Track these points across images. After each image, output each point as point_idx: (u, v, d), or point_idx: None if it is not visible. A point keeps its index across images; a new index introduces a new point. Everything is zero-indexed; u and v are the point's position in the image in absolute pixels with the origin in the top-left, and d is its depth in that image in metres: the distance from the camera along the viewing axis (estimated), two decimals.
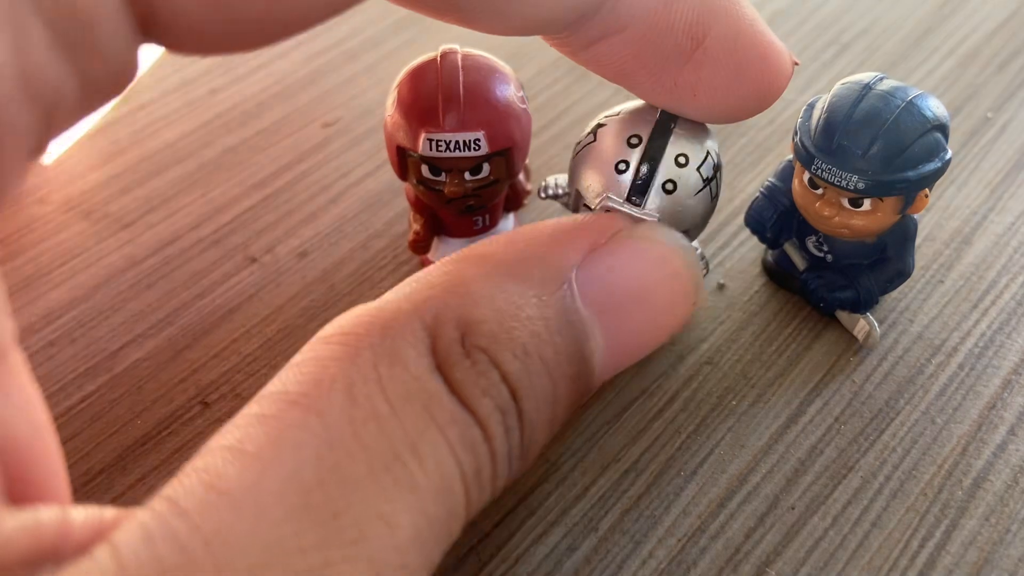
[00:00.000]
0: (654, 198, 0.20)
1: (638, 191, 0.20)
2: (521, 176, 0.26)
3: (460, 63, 0.22)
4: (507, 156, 0.23)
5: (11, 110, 0.12)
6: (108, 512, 0.13)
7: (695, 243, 0.23)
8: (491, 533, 0.21)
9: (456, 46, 0.23)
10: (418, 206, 0.25)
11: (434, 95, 0.22)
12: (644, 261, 0.18)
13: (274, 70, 0.34)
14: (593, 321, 0.17)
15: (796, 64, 0.21)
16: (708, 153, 0.21)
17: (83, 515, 0.12)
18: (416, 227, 0.25)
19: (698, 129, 0.21)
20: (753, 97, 0.20)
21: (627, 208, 0.20)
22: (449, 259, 0.17)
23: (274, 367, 0.24)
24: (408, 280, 0.16)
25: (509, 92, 0.23)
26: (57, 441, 0.15)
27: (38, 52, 0.12)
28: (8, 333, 0.14)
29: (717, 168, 0.21)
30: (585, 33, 0.18)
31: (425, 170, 0.23)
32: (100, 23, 0.13)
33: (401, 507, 0.13)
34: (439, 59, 0.22)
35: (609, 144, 0.21)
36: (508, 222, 0.27)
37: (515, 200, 0.27)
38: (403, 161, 0.23)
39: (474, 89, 0.22)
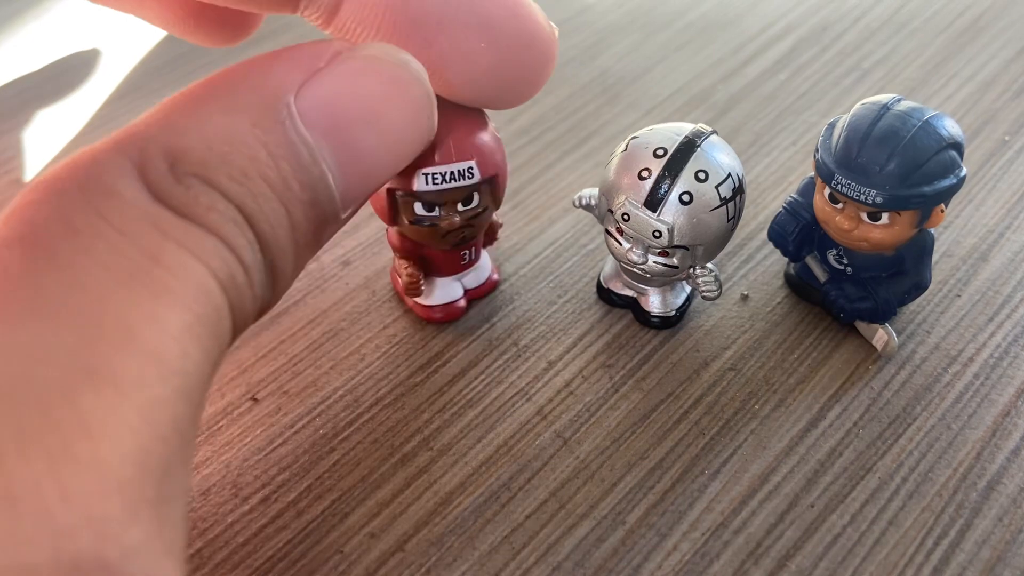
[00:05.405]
0: (670, 207, 0.22)
1: (655, 197, 0.22)
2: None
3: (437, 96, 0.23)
4: (493, 183, 0.23)
5: None
6: None
7: (710, 265, 0.24)
8: (523, 524, 0.22)
9: None
10: (404, 250, 0.26)
11: None
12: (369, 79, 0.17)
13: None
14: (321, 144, 0.16)
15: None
16: (729, 175, 0.22)
17: None
18: (410, 270, 0.26)
19: (724, 152, 0.23)
20: (513, 65, 0.19)
21: (643, 212, 0.22)
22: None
23: (318, 367, 0.26)
24: None
25: (485, 121, 0.23)
26: None
27: None
28: None
29: (737, 192, 0.22)
30: None
31: (419, 207, 0.23)
32: None
33: (163, 305, 0.12)
34: None
35: (638, 153, 0.22)
36: (484, 258, 0.28)
37: (491, 234, 0.27)
38: (393, 204, 0.24)
39: (457, 120, 0.22)
